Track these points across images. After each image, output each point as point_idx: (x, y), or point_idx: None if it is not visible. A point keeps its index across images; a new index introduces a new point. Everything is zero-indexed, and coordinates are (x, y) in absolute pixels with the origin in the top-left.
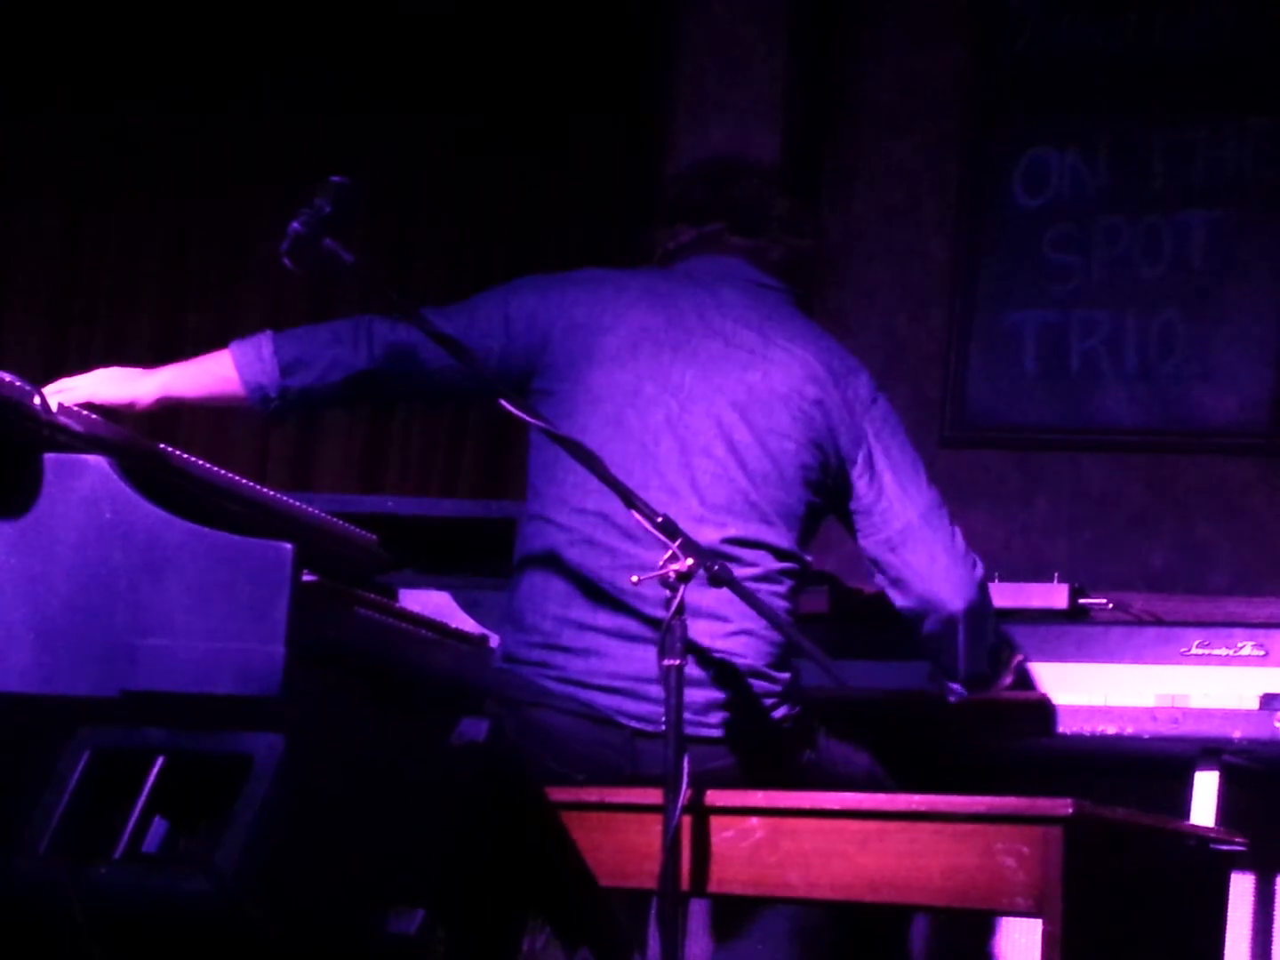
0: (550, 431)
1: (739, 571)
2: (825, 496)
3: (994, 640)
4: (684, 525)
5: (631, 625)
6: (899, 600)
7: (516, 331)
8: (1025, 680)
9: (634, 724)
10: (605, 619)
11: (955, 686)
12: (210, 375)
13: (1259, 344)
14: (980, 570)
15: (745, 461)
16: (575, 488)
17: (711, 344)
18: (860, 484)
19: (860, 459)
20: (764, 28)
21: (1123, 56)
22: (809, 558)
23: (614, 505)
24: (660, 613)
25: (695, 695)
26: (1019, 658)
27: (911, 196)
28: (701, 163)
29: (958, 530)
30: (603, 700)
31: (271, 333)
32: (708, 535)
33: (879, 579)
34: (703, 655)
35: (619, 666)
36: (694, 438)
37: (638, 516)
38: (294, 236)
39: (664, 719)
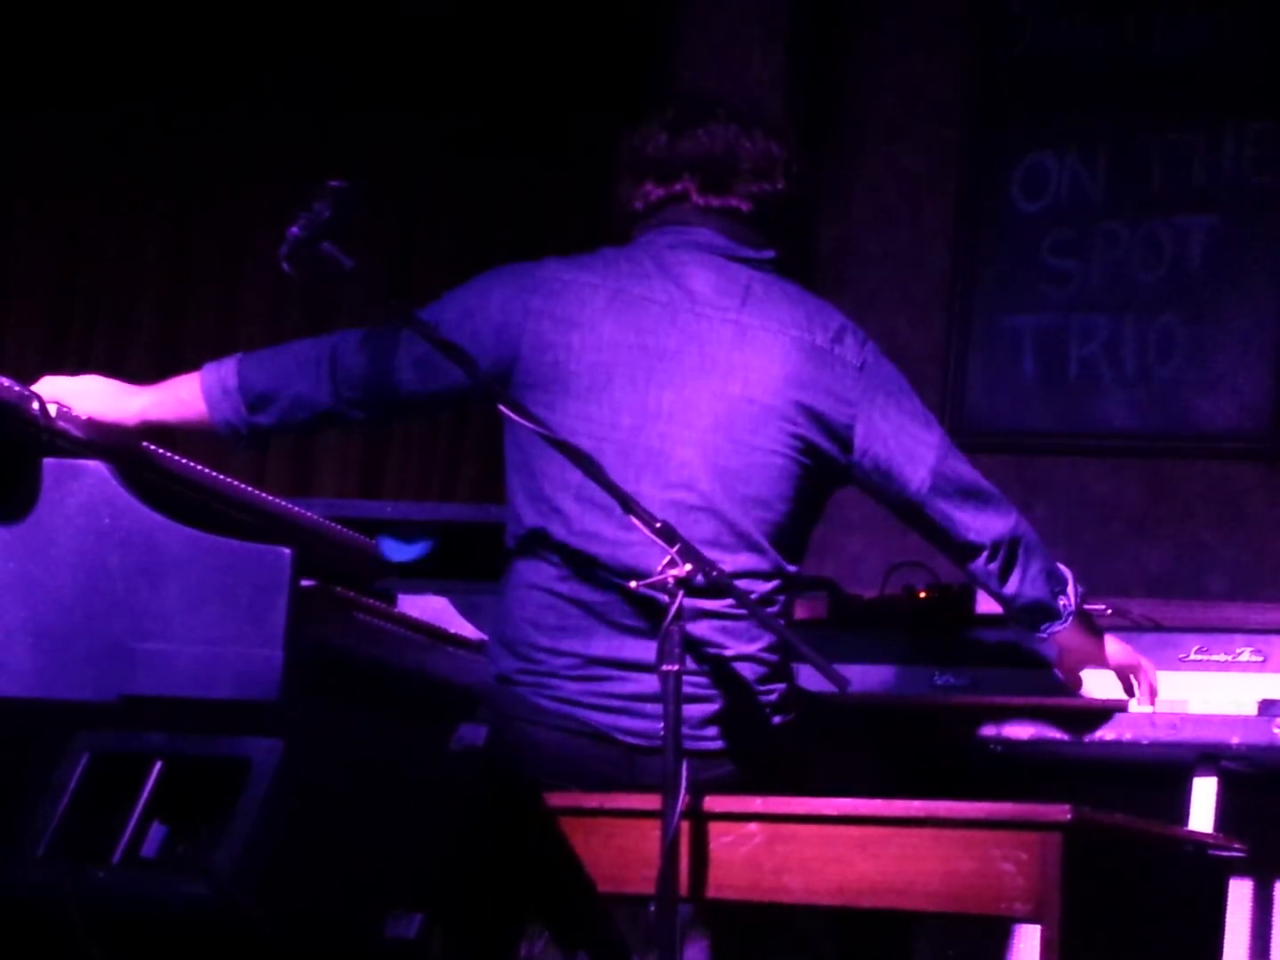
0: (549, 436)
1: (725, 603)
2: (824, 493)
3: (1044, 562)
4: (669, 564)
5: (625, 655)
6: (944, 551)
7: (484, 346)
8: (1091, 623)
9: (630, 740)
10: (599, 650)
11: (1024, 632)
12: (184, 405)
13: (1258, 348)
14: (1007, 501)
15: (731, 489)
16: (560, 525)
17: (687, 355)
18: (865, 462)
19: (858, 435)
20: (763, 31)
21: (1122, 61)
22: (792, 569)
23: (599, 547)
24: (653, 640)
25: (691, 710)
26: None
27: (911, 201)
28: (663, 107)
29: (970, 467)
30: (599, 718)
31: (239, 362)
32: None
33: (920, 533)
34: (698, 675)
35: (614, 688)
36: (676, 472)
37: (636, 521)
38: (292, 241)
39: (662, 729)
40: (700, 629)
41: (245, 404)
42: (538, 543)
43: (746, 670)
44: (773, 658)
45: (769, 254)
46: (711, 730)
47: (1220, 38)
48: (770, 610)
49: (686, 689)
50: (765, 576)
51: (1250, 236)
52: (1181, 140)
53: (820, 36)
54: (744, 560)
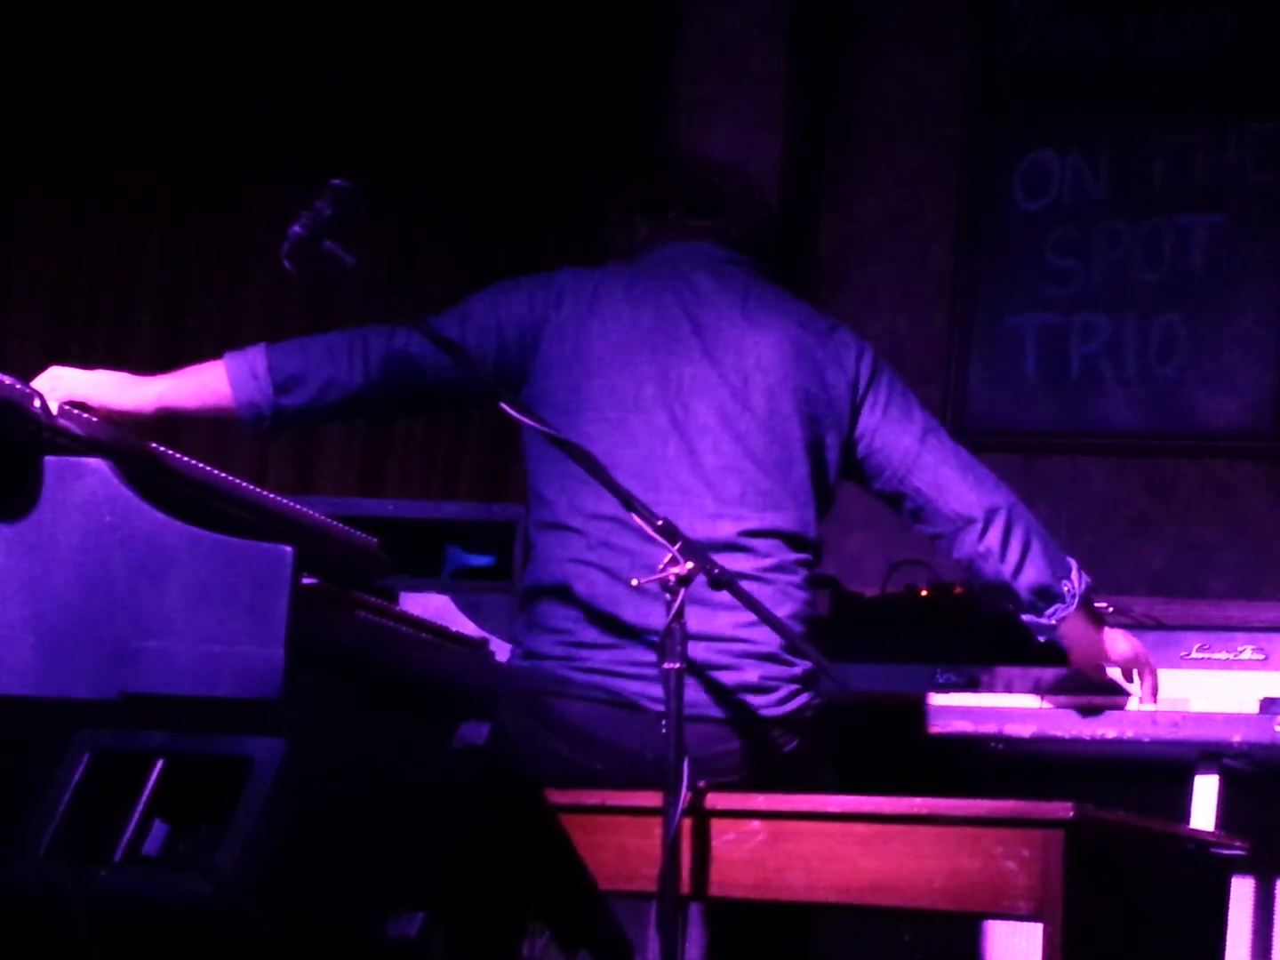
0: (552, 435)
1: (754, 564)
2: (832, 466)
3: (1045, 543)
4: (699, 523)
5: (654, 621)
6: (930, 531)
7: (509, 339)
8: (1095, 615)
9: (659, 707)
10: (629, 616)
11: (1029, 619)
12: (205, 390)
13: (1260, 347)
14: (1006, 486)
15: (753, 451)
16: (590, 494)
17: (701, 337)
18: (856, 433)
19: (854, 413)
20: (765, 31)
21: (1123, 60)
22: (815, 538)
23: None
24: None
25: (721, 677)
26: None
27: (912, 200)
28: (643, 161)
29: (962, 448)
30: (628, 686)
31: (265, 347)
32: (724, 530)
33: (913, 525)
34: (724, 643)
35: (643, 655)
36: (700, 436)
37: (637, 520)
38: (294, 239)
39: (694, 696)
40: (723, 594)
41: (273, 386)
42: (566, 517)
43: (771, 636)
44: (799, 627)
45: (760, 261)
46: (733, 699)
47: (1221, 38)
48: (791, 579)
49: (711, 657)
50: (790, 541)
51: (1252, 236)
52: (1183, 140)
53: (820, 36)
54: (771, 519)
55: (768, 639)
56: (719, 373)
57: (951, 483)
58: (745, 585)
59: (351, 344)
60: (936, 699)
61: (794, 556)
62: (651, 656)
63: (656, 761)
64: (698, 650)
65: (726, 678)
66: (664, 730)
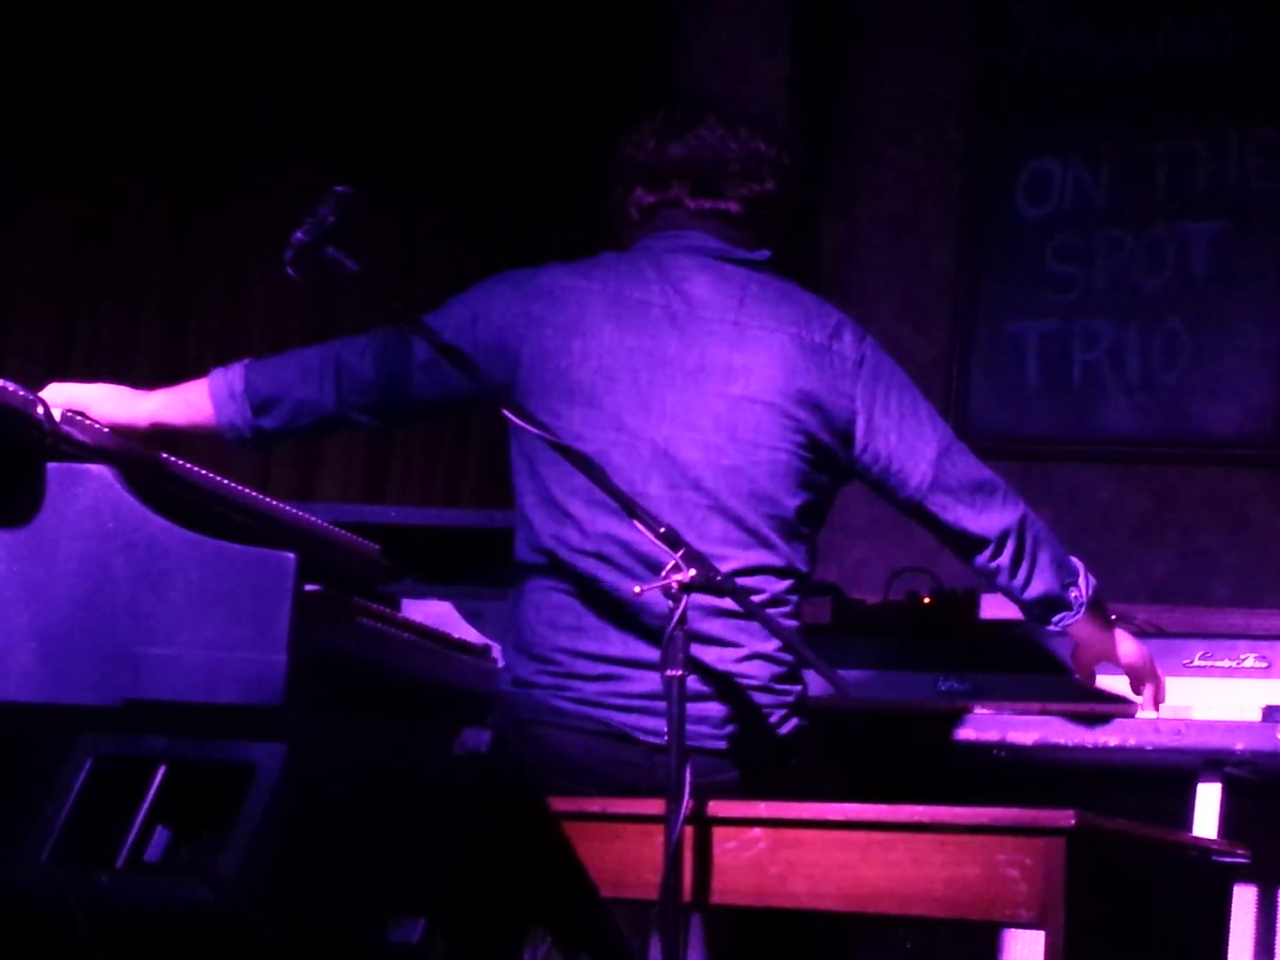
0: (553, 441)
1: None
2: (829, 488)
3: (1053, 552)
4: (673, 568)
5: (642, 654)
6: (950, 546)
7: (485, 356)
8: (1104, 617)
9: (652, 739)
10: (616, 650)
11: (1038, 627)
12: (192, 408)
13: (1262, 355)
14: (1013, 493)
15: (736, 486)
16: (574, 529)
17: (688, 358)
18: (867, 457)
19: (859, 431)
20: (765, 36)
21: (1125, 67)
22: (804, 568)
23: (612, 548)
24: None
25: (709, 709)
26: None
27: (914, 207)
28: (654, 112)
29: (973, 458)
30: (619, 718)
31: (246, 366)
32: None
33: (926, 528)
34: (714, 676)
35: (633, 687)
36: (682, 472)
37: (640, 525)
38: (297, 246)
39: (675, 720)
40: (714, 627)
41: (251, 408)
42: (552, 548)
43: (761, 669)
44: (789, 657)
45: (763, 254)
46: (730, 729)
47: (1224, 43)
48: (782, 610)
49: (705, 688)
50: (779, 573)
51: (1254, 242)
52: (1185, 146)
53: (821, 39)
54: (755, 557)
55: (758, 672)
56: (704, 401)
57: (966, 509)
58: (731, 623)
59: (324, 366)
60: (939, 707)
61: (783, 585)
62: (641, 689)
63: (651, 793)
64: (690, 682)
65: (719, 710)
66: (664, 739)
